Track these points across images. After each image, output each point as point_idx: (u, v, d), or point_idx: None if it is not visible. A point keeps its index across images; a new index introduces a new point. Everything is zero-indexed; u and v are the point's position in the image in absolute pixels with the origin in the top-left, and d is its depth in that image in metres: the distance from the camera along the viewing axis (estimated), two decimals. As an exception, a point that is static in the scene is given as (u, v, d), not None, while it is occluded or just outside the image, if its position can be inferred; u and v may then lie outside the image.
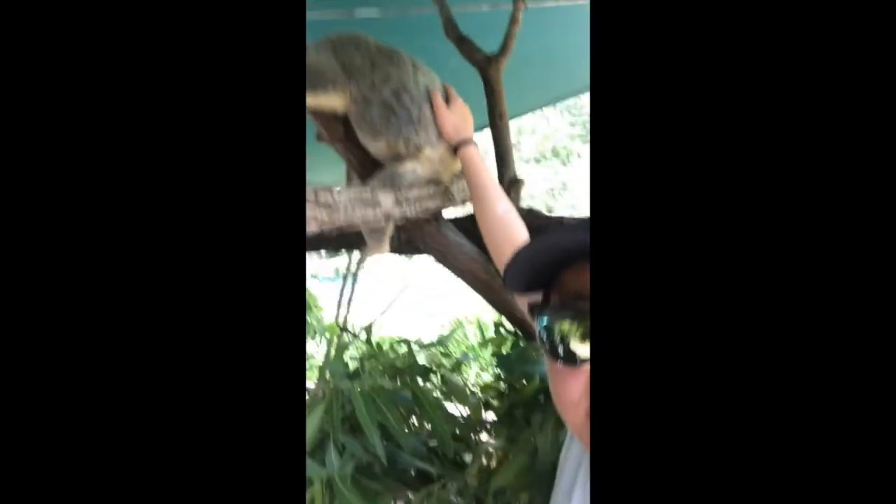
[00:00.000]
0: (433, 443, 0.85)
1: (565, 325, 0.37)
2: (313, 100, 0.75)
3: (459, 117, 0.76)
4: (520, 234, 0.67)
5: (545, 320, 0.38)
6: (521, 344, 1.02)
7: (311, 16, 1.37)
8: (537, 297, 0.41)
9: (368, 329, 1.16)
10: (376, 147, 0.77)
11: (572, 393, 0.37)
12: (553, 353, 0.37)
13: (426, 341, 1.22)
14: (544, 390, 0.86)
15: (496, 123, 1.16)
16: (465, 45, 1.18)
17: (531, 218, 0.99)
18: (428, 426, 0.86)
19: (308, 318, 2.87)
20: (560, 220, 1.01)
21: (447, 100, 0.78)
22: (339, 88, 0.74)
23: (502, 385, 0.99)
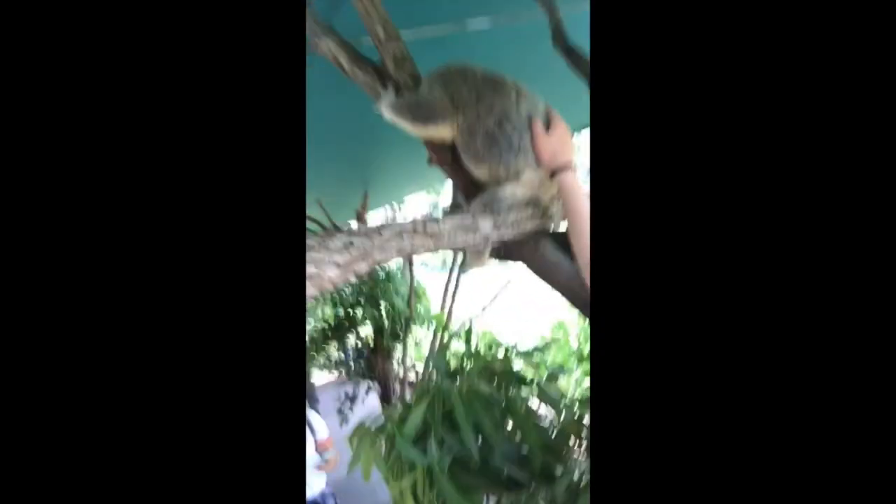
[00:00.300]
0: (525, 450, 0.89)
1: None
2: (425, 131, 0.83)
3: (558, 143, 0.77)
4: None
5: None
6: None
7: (425, 33, 1.48)
8: None
9: (468, 332, 1.24)
10: (479, 172, 0.83)
11: None
12: None
13: (526, 346, 1.25)
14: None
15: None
16: (573, 56, 1.15)
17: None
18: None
19: (417, 307, 3.12)
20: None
21: (549, 125, 0.79)
22: (448, 120, 0.81)
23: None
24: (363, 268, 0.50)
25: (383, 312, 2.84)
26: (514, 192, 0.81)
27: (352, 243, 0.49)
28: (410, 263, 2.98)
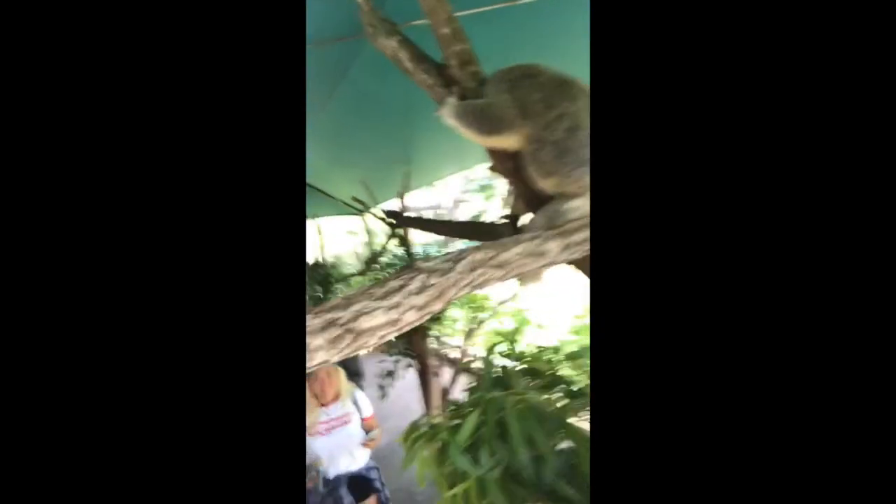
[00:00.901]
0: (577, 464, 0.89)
1: None
2: (491, 140, 0.80)
3: None
4: None
5: None
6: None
7: (476, 6, 1.41)
8: None
9: (515, 333, 1.23)
10: (546, 184, 0.79)
11: None
12: None
13: (565, 336, 1.23)
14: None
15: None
16: None
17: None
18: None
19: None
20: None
21: None
22: (516, 130, 0.77)
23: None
24: (438, 306, 0.49)
25: (422, 293, 2.87)
26: (582, 206, 0.77)
27: (430, 284, 0.48)
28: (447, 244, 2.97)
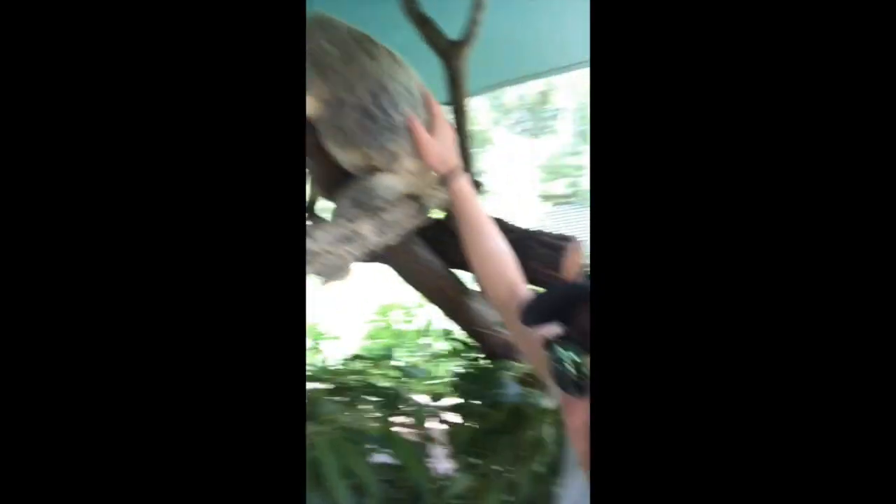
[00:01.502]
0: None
1: (580, 357, 0.40)
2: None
3: (444, 143, 0.65)
4: (511, 268, 0.62)
5: (562, 351, 0.41)
6: (483, 364, 0.97)
7: None
8: (553, 330, 0.45)
9: (313, 349, 1.04)
10: (348, 158, 0.65)
11: (578, 421, 0.41)
12: (563, 384, 0.41)
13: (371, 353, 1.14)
14: (515, 415, 0.84)
15: (456, 117, 1.07)
16: (427, 28, 1.07)
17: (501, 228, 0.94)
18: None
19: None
20: (529, 233, 0.97)
21: (429, 120, 0.67)
22: (310, 89, 0.59)
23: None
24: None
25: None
26: (391, 184, 0.66)
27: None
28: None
